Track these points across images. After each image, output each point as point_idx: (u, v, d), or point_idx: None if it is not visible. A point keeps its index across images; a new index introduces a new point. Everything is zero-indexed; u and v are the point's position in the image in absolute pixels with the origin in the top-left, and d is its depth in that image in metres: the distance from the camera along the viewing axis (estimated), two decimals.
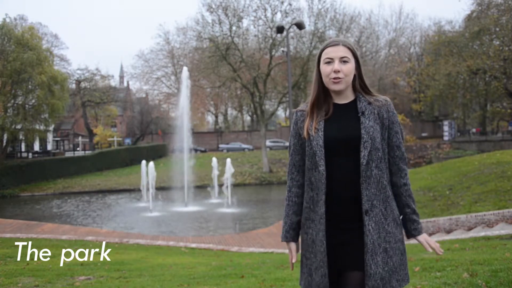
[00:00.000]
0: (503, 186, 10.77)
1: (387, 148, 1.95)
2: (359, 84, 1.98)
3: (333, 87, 1.91)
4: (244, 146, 44.87)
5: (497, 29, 35.25)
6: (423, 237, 1.97)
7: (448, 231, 9.78)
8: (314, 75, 2.01)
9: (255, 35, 35.88)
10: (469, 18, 38.13)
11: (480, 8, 36.71)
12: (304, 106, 2.03)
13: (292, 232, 2.03)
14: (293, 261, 2.02)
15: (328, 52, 1.92)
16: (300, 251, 2.06)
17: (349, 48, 1.92)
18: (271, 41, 33.95)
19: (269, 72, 34.12)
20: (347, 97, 1.97)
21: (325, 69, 1.92)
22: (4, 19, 31.23)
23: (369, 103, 1.93)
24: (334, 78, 1.89)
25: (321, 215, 1.88)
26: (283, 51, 29.67)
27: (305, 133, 1.94)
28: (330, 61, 1.91)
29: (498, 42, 35.92)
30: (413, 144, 39.22)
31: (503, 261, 4.59)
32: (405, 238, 1.99)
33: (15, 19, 38.57)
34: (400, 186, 1.97)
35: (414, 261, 5.44)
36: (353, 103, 1.96)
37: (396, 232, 1.91)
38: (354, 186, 1.86)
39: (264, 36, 34.91)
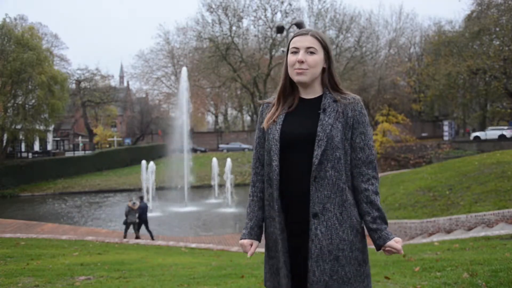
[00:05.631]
0: (503, 186, 10.77)
1: (350, 149, 1.80)
2: (328, 79, 1.87)
3: (296, 78, 1.82)
4: (244, 146, 44.78)
5: (497, 29, 35.24)
6: (389, 244, 1.73)
7: (448, 231, 9.78)
8: (283, 65, 1.91)
9: (255, 35, 35.91)
10: (469, 18, 38.12)
11: (480, 8, 36.70)
12: (271, 98, 1.94)
13: (258, 230, 1.89)
14: (249, 255, 1.89)
15: (295, 42, 1.83)
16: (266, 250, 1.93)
17: (318, 39, 1.82)
18: (271, 41, 33.99)
19: (269, 72, 34.15)
20: (315, 92, 1.87)
21: (290, 58, 1.83)
22: (4, 19, 31.27)
23: (335, 101, 1.82)
24: (298, 69, 1.80)
25: (277, 213, 1.78)
26: (283, 51, 29.63)
27: (264, 123, 1.86)
28: (295, 51, 1.82)
29: (498, 42, 35.90)
30: (413, 144, 39.15)
31: (503, 261, 4.59)
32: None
33: (15, 19, 38.61)
34: (360, 191, 1.78)
35: (414, 261, 5.44)
36: (319, 99, 1.85)
37: (354, 240, 1.75)
38: (307, 186, 1.74)
39: (264, 36, 34.94)
